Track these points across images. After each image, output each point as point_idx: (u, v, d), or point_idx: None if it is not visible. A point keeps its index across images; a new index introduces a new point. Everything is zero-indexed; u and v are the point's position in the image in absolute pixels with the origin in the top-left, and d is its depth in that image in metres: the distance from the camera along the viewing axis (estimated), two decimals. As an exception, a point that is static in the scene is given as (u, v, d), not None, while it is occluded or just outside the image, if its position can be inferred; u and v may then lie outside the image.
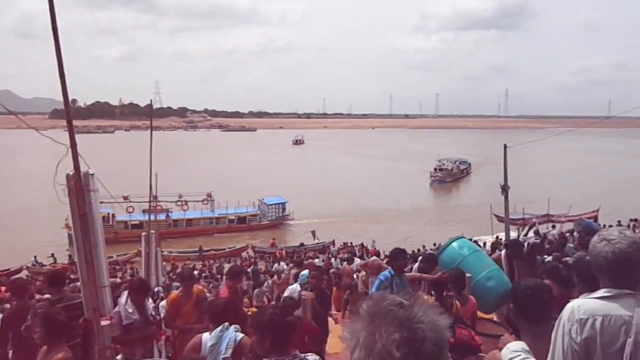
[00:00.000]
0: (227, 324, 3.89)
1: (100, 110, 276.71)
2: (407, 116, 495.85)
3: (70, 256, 30.17)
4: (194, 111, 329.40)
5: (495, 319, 6.65)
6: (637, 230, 13.32)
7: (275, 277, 15.13)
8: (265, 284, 14.68)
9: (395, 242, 29.81)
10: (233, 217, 40.60)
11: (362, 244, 31.79)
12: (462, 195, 58.71)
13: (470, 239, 25.17)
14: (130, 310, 5.06)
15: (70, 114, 3.84)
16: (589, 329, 1.99)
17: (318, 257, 25.83)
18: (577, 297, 2.36)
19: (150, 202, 19.86)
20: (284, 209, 42.70)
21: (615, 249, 2.03)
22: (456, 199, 56.62)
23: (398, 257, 5.57)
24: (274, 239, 35.77)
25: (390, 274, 5.48)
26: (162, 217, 34.32)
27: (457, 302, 4.51)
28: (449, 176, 65.18)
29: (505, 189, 24.61)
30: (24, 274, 28.10)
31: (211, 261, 30.16)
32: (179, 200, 36.36)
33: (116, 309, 5.12)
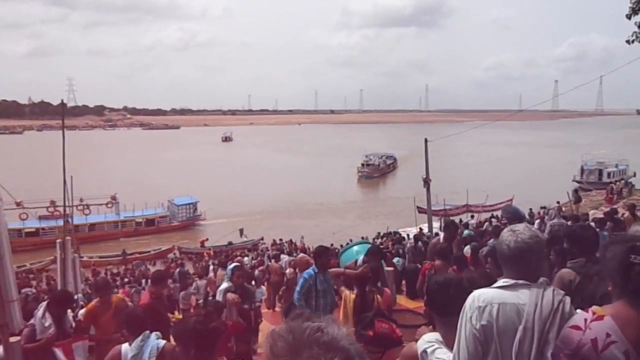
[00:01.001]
0: (147, 332, 3.75)
1: (7, 109, 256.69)
2: (332, 111, 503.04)
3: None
4: (112, 109, 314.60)
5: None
6: (546, 217, 14.27)
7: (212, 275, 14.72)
8: (194, 285, 14.29)
9: (323, 237, 30.28)
10: (140, 220, 39.21)
11: (290, 240, 31.84)
12: (389, 189, 60.13)
13: (397, 231, 26.16)
14: (46, 325, 4.82)
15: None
16: (487, 315, 2.13)
17: (247, 255, 25.58)
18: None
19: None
20: (195, 210, 41.82)
21: (518, 238, 2.20)
22: (384, 192, 58.03)
23: (322, 255, 5.63)
24: (205, 239, 34.89)
25: (314, 272, 5.53)
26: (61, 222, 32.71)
27: (378, 296, 4.63)
28: (376, 171, 66.46)
29: (427, 181, 25.70)
30: None
31: (134, 264, 29.08)
32: (79, 204, 34.40)
33: (30, 321, 4.82)
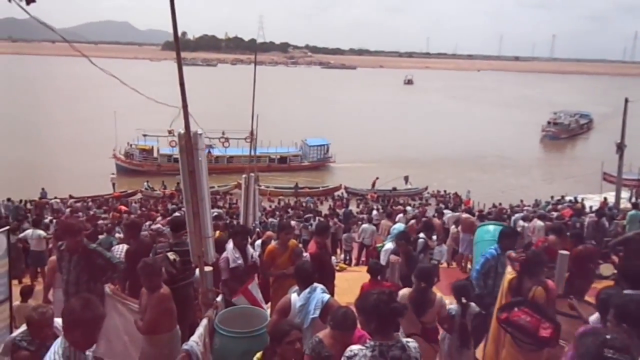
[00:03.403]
0: (314, 284, 4.12)
1: (207, 43, 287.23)
2: (517, 58, 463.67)
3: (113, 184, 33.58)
4: (295, 47, 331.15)
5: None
6: None
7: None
8: (360, 229, 14.83)
9: (491, 194, 28.99)
10: (274, 157, 40.40)
11: (455, 194, 31.08)
12: (577, 154, 52.81)
13: (575, 198, 23.89)
14: (237, 255, 5.80)
15: (182, 75, 4.03)
16: None
17: (410, 205, 25.72)
18: None
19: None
20: (327, 151, 42.20)
21: None
22: (570, 156, 52.15)
23: (509, 237, 5.51)
24: (377, 178, 34.95)
25: (497, 253, 5.44)
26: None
27: (539, 288, 4.36)
28: (565, 132, 57.73)
29: (620, 147, 22.66)
30: (137, 197, 31.11)
31: (306, 199, 31.09)
32: (221, 137, 37.37)
33: (224, 254, 5.70)
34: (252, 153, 21.02)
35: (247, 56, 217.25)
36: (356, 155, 43.57)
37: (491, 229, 6.81)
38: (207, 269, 4.60)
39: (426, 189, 34.59)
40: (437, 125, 62.70)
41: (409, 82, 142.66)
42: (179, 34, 4.13)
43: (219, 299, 4.78)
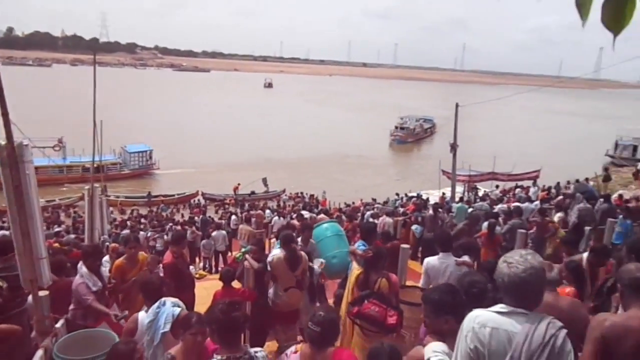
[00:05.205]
0: (163, 299, 3.91)
1: (40, 40, 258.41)
2: (365, 64, 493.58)
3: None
4: (144, 47, 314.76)
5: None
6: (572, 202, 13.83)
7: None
8: (215, 234, 14.60)
9: (345, 194, 30.45)
10: (89, 166, 37.59)
11: (312, 195, 32.08)
12: (423, 155, 55.91)
13: (418, 194, 26.01)
14: (94, 279, 5.20)
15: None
16: (480, 337, 2.18)
17: (269, 208, 25.95)
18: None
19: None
20: (149, 158, 39.82)
21: (512, 272, 2.20)
22: (416, 158, 55.95)
23: (371, 232, 5.96)
24: (238, 184, 34.38)
25: (364, 246, 5.71)
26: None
27: (384, 280, 4.67)
28: (411, 136, 61.04)
29: (454, 147, 25.27)
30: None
31: (160, 208, 29.75)
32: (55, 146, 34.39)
33: (79, 280, 5.08)
34: (94, 160, 19.40)
35: (88, 56, 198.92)
36: (198, 159, 42.41)
37: (326, 226, 7.43)
38: (42, 293, 4.11)
39: (284, 191, 35.18)
40: (299, 128, 64.16)
41: (269, 85, 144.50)
42: (4, 28, 3.60)
43: (58, 324, 4.32)
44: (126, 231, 17.02)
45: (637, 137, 44.87)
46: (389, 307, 4.23)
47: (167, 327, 3.71)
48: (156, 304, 3.86)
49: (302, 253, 5.75)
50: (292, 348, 3.03)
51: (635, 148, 42.79)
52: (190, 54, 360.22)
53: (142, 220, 23.12)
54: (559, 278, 3.85)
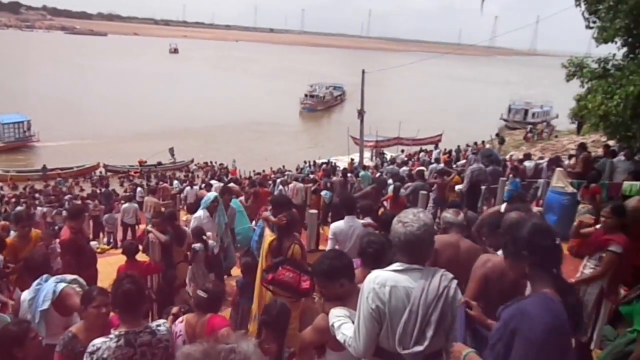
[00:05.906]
0: (45, 275, 3.69)
1: None
2: (272, 30, 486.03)
3: None
4: (29, 7, 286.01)
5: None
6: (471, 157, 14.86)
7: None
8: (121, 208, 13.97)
9: (255, 162, 30.28)
10: None
11: (221, 164, 31.51)
12: (333, 122, 56.26)
13: (328, 160, 26.46)
14: None
15: None
16: (380, 296, 2.30)
17: (177, 178, 25.22)
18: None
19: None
20: (27, 129, 36.33)
21: (407, 230, 2.34)
22: (327, 124, 56.23)
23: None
24: (144, 160, 32.60)
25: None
26: None
27: (296, 246, 4.74)
28: (321, 104, 60.25)
29: (361, 113, 25.87)
30: None
31: (56, 181, 27.76)
32: None
33: None
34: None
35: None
36: (95, 129, 40.03)
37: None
38: None
39: (192, 161, 34.25)
40: (208, 96, 61.98)
41: (175, 51, 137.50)
42: None
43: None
44: (19, 208, 15.87)
45: (528, 101, 48.44)
46: (302, 273, 4.30)
47: (46, 305, 3.51)
48: (37, 281, 3.64)
49: (186, 229, 6.56)
50: (180, 318, 3.28)
51: (526, 112, 46.18)
52: (83, 15, 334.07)
53: (37, 195, 21.52)
54: (465, 223, 4.13)
